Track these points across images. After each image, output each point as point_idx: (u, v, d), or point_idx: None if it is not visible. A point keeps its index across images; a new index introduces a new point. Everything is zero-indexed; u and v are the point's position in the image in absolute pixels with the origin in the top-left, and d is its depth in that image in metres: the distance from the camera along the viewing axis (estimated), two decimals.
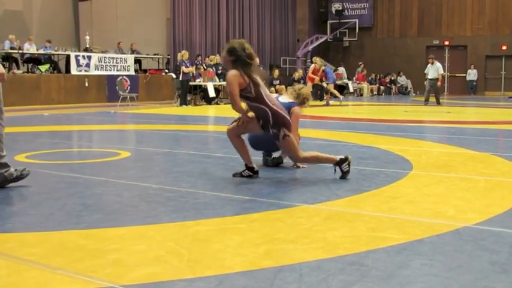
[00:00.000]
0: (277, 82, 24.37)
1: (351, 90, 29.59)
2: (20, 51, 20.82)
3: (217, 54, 23.52)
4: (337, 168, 5.73)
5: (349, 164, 5.73)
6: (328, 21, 34.76)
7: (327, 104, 20.81)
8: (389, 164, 6.58)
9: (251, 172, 5.72)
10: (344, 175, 5.69)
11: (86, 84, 21.15)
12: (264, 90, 5.63)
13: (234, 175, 5.77)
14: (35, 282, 2.84)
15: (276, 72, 24.61)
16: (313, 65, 21.25)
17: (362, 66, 31.86)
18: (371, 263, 3.12)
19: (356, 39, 34.07)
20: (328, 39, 34.10)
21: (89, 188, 5.22)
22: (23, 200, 4.81)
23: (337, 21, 34.42)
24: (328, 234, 3.70)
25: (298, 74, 26.23)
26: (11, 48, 20.68)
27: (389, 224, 3.94)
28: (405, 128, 11.60)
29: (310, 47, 32.21)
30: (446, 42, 32.85)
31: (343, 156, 5.78)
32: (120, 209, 4.48)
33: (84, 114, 15.70)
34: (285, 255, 3.27)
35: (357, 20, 33.97)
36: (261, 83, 5.65)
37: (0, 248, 3.36)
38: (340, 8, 34.41)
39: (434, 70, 20.04)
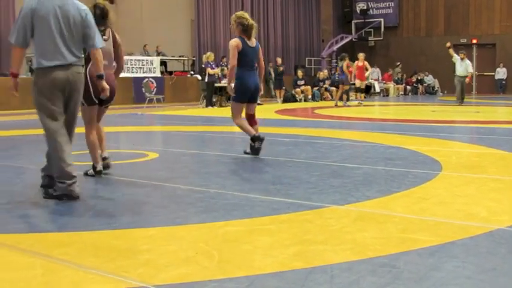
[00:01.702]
0: (302, 83, 24.28)
1: (377, 90, 29.41)
2: None
3: None
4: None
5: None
6: (353, 21, 34.57)
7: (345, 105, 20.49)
8: (418, 165, 6.53)
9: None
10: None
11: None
12: None
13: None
14: (69, 282, 2.87)
15: (300, 73, 24.51)
16: (357, 62, 20.66)
17: (400, 66, 31.71)
18: (403, 265, 3.10)
19: (381, 38, 33.84)
20: (353, 39, 33.92)
21: (119, 189, 5.27)
22: (56, 201, 4.85)
23: (362, 20, 34.24)
24: (358, 235, 3.68)
25: (323, 74, 26.16)
26: None
27: (420, 226, 3.91)
28: (433, 128, 11.50)
29: (335, 47, 32.08)
30: (474, 41, 32.48)
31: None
32: (150, 209, 4.51)
33: (111, 116, 15.80)
34: (315, 256, 3.26)
35: (382, 20, 33.74)
36: None
37: (34, 248, 3.41)
38: (365, 8, 34.23)
39: (464, 67, 19.67)
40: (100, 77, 5.17)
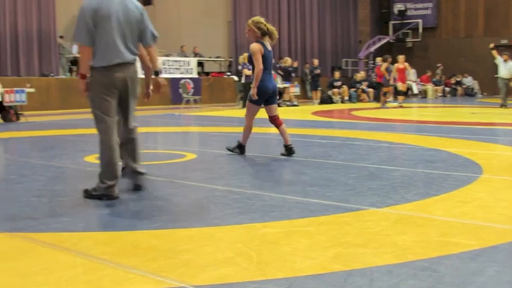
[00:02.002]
0: (339, 83, 24.14)
1: (415, 91, 29.10)
2: None
3: (288, 58, 23.52)
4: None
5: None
6: (391, 22, 34.29)
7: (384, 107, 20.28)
8: (458, 168, 6.45)
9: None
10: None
11: (150, 87, 21.50)
12: None
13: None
14: (109, 281, 2.90)
15: (337, 74, 24.38)
16: (397, 64, 20.35)
17: (441, 67, 31.33)
18: (444, 269, 3.06)
19: (419, 40, 33.49)
20: (391, 40, 33.63)
21: (158, 189, 5.31)
22: (95, 200, 4.92)
23: (400, 21, 33.93)
24: (398, 238, 3.65)
25: (360, 76, 25.98)
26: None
27: (461, 230, 3.86)
28: (473, 130, 11.33)
29: (372, 49, 31.84)
30: None
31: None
32: (189, 210, 4.54)
33: (149, 117, 15.95)
34: (355, 259, 3.24)
35: (420, 21, 33.38)
36: None
37: (75, 247, 3.46)
38: (403, 9, 33.91)
39: (508, 69, 19.24)
40: (157, 73, 5.22)
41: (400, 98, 20.75)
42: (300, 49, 28.74)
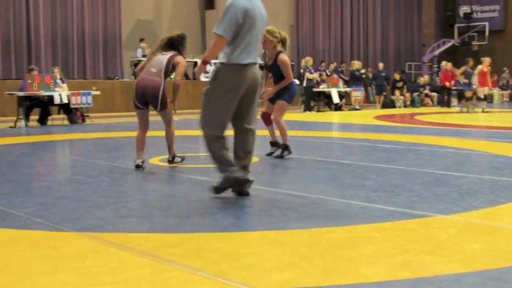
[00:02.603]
0: (400, 84, 23.45)
1: (482, 96, 28.35)
2: None
3: (356, 61, 23.30)
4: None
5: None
6: (456, 25, 33.59)
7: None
8: None
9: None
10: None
11: None
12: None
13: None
14: (176, 282, 2.93)
15: (397, 75, 23.69)
16: (480, 67, 19.83)
17: (507, 71, 30.54)
18: None
19: (486, 43, 32.65)
20: (456, 44, 32.96)
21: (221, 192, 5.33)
22: (160, 201, 4.99)
23: (465, 24, 33.19)
24: (466, 247, 3.56)
25: (423, 80, 25.54)
26: (143, 56, 21.63)
27: None
28: None
29: (436, 52, 31.30)
30: None
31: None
32: (252, 213, 4.55)
33: None
34: (422, 267, 3.17)
35: (486, 23, 32.56)
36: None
37: (142, 248, 3.51)
38: (469, 11, 33.16)
39: None
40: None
41: (483, 102, 19.98)
42: (362, 53, 28.49)
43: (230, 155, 5.07)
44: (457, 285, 2.89)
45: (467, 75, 19.75)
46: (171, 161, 6.97)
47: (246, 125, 5.10)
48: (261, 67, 6.25)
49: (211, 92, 4.95)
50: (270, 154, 7.93)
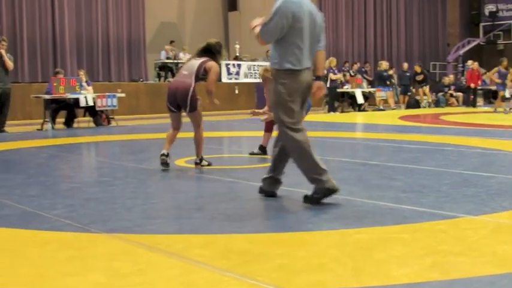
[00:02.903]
0: (421, 77, 22.84)
1: (507, 95, 28.03)
2: (175, 61, 21.83)
3: (383, 61, 23.10)
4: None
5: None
6: (481, 24, 33.24)
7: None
8: None
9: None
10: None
11: (236, 92, 21.76)
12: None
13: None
14: (205, 283, 2.93)
15: (418, 68, 23.23)
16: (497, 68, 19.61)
17: None
18: None
19: None
20: (481, 43, 32.62)
21: (248, 193, 5.33)
22: (187, 203, 4.99)
23: (491, 23, 32.82)
24: (498, 248, 3.51)
25: (448, 80, 25.30)
26: (167, 58, 21.76)
27: None
28: None
29: (461, 51, 31.02)
30: None
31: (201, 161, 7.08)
32: (280, 214, 4.53)
33: (234, 121, 16.14)
34: (453, 268, 3.14)
35: None
36: None
37: (170, 249, 3.51)
38: (494, 10, 32.79)
39: None
40: (319, 77, 5.16)
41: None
42: (386, 53, 28.33)
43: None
44: (491, 286, 2.85)
45: (501, 75, 19.45)
46: (198, 163, 6.99)
47: None
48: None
49: (276, 98, 4.88)
50: (252, 154, 8.12)
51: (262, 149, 8.08)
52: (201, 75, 6.85)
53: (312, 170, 4.82)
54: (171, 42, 22.29)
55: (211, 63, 6.86)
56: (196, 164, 7.01)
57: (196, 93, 6.75)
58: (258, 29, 4.91)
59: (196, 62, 6.90)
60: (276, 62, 4.84)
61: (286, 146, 4.95)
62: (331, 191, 4.76)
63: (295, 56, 4.78)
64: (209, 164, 7.01)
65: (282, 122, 4.86)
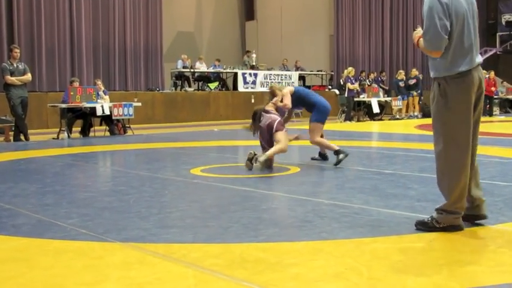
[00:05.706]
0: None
1: None
2: (192, 70, 21.90)
3: (402, 71, 23.06)
4: None
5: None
6: (498, 33, 33.04)
7: None
8: None
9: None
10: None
11: (252, 101, 21.75)
12: None
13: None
14: None
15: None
16: None
17: None
18: None
19: None
20: (498, 52, 32.40)
21: (263, 202, 5.32)
22: (202, 212, 4.99)
23: (508, 32, 32.60)
24: None
25: None
26: (183, 67, 21.85)
27: None
28: None
29: None
30: None
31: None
32: (295, 223, 4.51)
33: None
34: (471, 277, 3.10)
35: None
36: None
37: (186, 258, 3.51)
38: (511, 19, 32.59)
39: None
40: None
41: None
42: (401, 62, 28.24)
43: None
44: None
45: None
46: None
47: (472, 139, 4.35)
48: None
49: (441, 113, 4.14)
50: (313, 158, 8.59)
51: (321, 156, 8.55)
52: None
53: (457, 200, 4.21)
54: (199, 59, 22.45)
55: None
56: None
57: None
58: (421, 42, 4.22)
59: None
60: (440, 69, 4.14)
61: None
62: (456, 227, 4.14)
63: (459, 56, 4.07)
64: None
65: (450, 140, 4.23)
